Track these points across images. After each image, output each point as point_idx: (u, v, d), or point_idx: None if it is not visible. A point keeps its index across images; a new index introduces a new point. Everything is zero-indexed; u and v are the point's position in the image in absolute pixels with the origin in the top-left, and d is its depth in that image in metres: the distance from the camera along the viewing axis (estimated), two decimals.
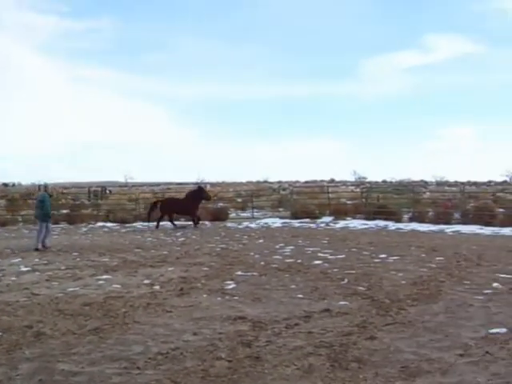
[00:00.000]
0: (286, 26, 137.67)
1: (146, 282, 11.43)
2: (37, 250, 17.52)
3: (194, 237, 21.46)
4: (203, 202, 27.63)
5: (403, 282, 10.77)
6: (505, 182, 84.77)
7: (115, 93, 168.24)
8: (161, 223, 26.37)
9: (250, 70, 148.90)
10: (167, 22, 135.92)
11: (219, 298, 9.61)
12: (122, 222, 29.51)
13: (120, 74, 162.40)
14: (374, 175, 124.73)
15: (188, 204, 26.37)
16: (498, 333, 7.06)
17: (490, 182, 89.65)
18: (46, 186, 20.05)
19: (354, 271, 12.06)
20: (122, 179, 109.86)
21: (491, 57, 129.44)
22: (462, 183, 54.85)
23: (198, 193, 27.19)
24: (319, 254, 14.97)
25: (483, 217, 24.97)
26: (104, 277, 12.10)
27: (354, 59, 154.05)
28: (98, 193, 48.55)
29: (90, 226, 28.80)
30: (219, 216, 30.10)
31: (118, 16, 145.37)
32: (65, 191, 50.63)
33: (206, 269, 12.93)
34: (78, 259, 15.17)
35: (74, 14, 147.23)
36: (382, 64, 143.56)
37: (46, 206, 18.26)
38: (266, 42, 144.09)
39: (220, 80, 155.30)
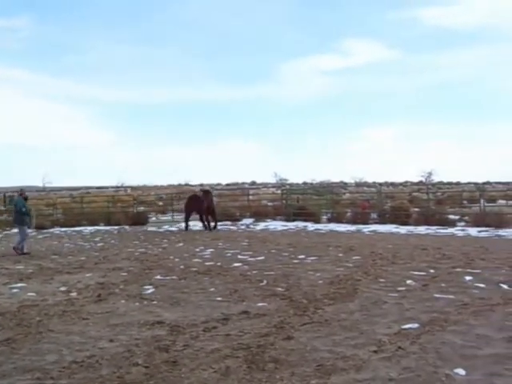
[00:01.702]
0: (203, 29, 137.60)
1: (63, 289, 11.16)
2: (27, 253, 17.34)
3: (112, 241, 21.17)
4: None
5: (321, 281, 10.94)
6: (420, 182, 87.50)
7: (31, 94, 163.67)
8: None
9: (169, 73, 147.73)
10: (82, 24, 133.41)
11: (137, 303, 9.49)
12: (39, 227, 28.72)
13: (36, 75, 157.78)
14: (295, 177, 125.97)
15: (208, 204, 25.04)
16: (410, 328, 7.29)
17: (406, 182, 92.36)
18: (21, 190, 19.78)
19: (273, 272, 12.17)
20: (39, 184, 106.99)
21: (406, 62, 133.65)
22: (380, 184, 56.18)
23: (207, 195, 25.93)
24: (239, 256, 15.05)
25: (399, 216, 25.77)
26: (18, 285, 11.72)
27: (274, 62, 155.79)
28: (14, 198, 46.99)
29: (5, 232, 27.85)
30: (139, 220, 29.79)
31: (32, 16, 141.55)
32: None
33: (124, 274, 12.75)
34: None
35: None
36: (301, 67, 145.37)
37: (17, 210, 18.24)
38: (185, 44, 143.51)
39: (138, 82, 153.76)
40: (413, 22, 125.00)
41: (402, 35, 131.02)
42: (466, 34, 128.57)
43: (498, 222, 22.36)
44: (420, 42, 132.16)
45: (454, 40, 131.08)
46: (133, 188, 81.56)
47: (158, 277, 12.18)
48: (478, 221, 23.17)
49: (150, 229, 27.23)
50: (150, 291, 10.57)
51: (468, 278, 10.83)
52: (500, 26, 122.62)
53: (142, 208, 36.33)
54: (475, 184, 66.19)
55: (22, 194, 19.26)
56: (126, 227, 28.05)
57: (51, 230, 28.13)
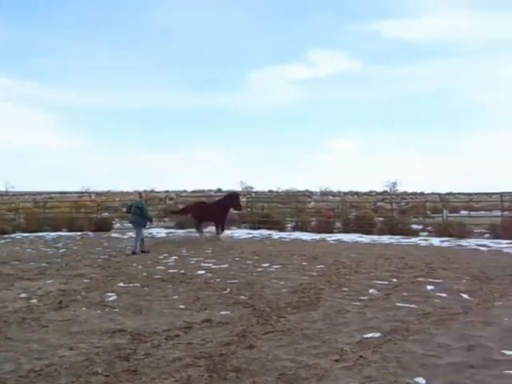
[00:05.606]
0: (171, 39, 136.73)
1: (23, 295, 10.98)
2: (134, 253, 18.23)
3: (75, 248, 20.89)
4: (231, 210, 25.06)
5: (284, 290, 10.95)
6: (385, 191, 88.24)
7: None
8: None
9: (136, 80, 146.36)
10: (49, 27, 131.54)
11: (99, 311, 9.38)
12: (1, 232, 28.19)
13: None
14: (261, 185, 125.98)
15: (217, 210, 23.78)
16: (372, 337, 7.34)
17: (371, 192, 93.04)
18: (140, 194, 21.70)
19: (236, 280, 12.14)
20: (2, 188, 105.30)
21: (367, 74, 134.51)
22: (345, 193, 56.57)
23: (230, 199, 24.57)
24: (203, 264, 14.98)
25: (363, 225, 25.88)
26: None
27: (241, 71, 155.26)
28: None
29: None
30: (102, 226, 29.43)
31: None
32: None
33: (86, 281, 12.60)
34: None
35: None
36: (268, 76, 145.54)
37: (142, 213, 19.15)
38: (152, 53, 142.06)
39: (105, 88, 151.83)
40: (373, 34, 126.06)
41: (363, 47, 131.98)
42: (427, 48, 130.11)
43: (460, 232, 22.65)
44: (381, 55, 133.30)
45: (414, 53, 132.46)
46: (97, 194, 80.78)
47: (121, 284, 12.06)
48: (441, 231, 23.44)
49: (113, 235, 26.93)
50: (112, 298, 10.46)
51: (430, 287, 10.96)
52: (459, 40, 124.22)
53: (106, 214, 35.93)
54: (439, 194, 66.96)
55: (142, 196, 20.85)
56: (89, 233, 27.70)
57: (13, 235, 27.61)
